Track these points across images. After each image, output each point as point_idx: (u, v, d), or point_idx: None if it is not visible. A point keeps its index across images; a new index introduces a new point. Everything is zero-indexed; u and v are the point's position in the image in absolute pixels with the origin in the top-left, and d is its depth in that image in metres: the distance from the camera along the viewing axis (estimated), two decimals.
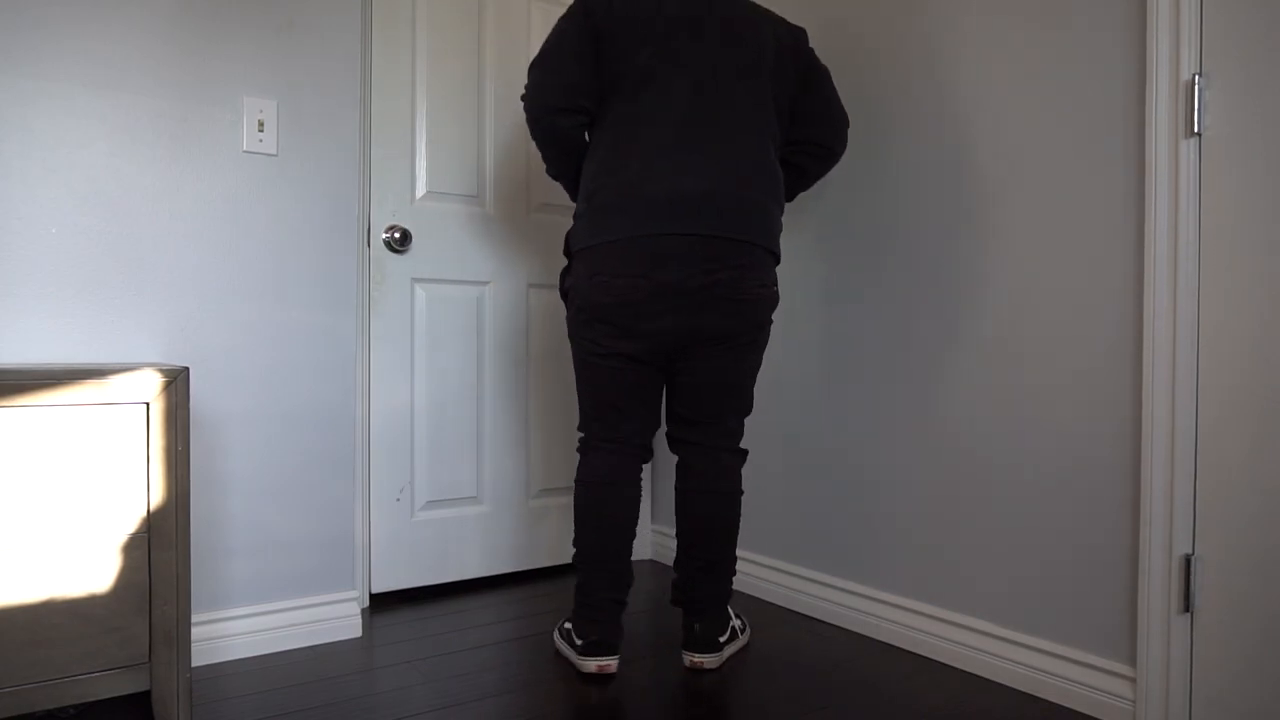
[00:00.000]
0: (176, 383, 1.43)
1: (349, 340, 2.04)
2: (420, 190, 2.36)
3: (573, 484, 2.64)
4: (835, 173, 2.15)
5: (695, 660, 1.83)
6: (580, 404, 1.87)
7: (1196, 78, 1.45)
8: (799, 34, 1.85)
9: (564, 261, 2.60)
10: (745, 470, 2.44)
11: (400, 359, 2.33)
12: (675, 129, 1.69)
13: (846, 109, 2.12)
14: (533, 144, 2.52)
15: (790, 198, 2.02)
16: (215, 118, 1.86)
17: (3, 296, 1.65)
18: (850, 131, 2.11)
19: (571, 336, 1.83)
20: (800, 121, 1.86)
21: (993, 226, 1.80)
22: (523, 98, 1.76)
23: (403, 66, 2.32)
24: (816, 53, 2.16)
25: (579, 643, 1.79)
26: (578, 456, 2.35)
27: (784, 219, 2.31)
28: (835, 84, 2.14)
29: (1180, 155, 1.47)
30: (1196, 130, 1.45)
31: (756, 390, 2.40)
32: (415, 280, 2.35)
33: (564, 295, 1.84)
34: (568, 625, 1.89)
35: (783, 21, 1.85)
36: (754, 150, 1.74)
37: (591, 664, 1.77)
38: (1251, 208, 1.41)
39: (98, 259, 1.74)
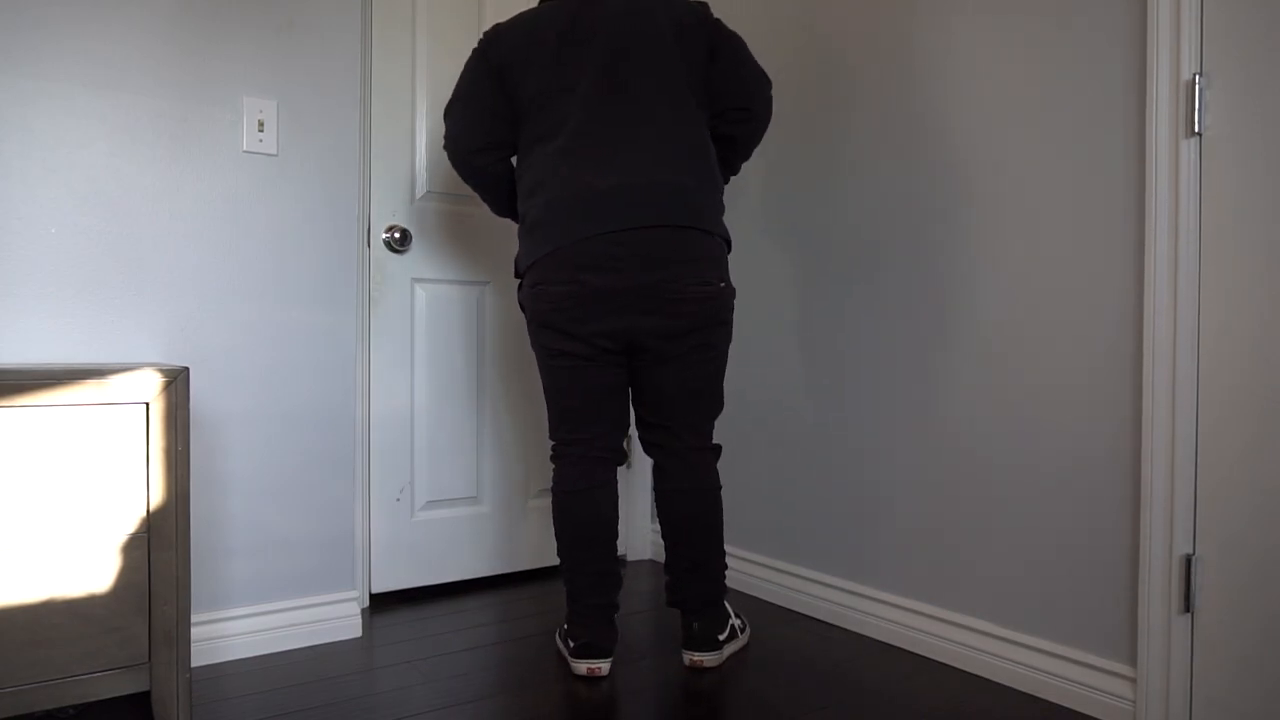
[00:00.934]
0: (176, 383, 1.43)
1: (349, 340, 2.04)
2: (420, 190, 2.36)
3: None
4: (834, 169, 2.15)
5: (695, 659, 1.83)
6: (547, 410, 1.88)
7: (1197, 78, 1.45)
8: (699, 9, 1.84)
9: None
10: (745, 469, 2.44)
11: (400, 359, 2.33)
12: (579, 135, 1.73)
13: (846, 109, 2.12)
14: None
15: (734, 170, 2.02)
16: (215, 118, 1.86)
17: (3, 296, 1.65)
18: (849, 131, 2.11)
19: (531, 345, 1.87)
20: (717, 92, 1.85)
21: (992, 225, 1.80)
22: (444, 147, 1.87)
23: (403, 66, 2.32)
24: (824, 51, 2.15)
25: (572, 645, 1.81)
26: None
27: (782, 218, 2.31)
28: (832, 84, 2.14)
29: (1180, 155, 1.47)
30: (1197, 130, 1.45)
31: (758, 389, 2.40)
32: (415, 280, 2.35)
33: (521, 307, 1.87)
34: (565, 626, 1.90)
35: (680, 2, 1.83)
36: (671, 135, 1.75)
37: (582, 666, 1.79)
38: (1251, 208, 1.41)
39: (98, 259, 1.74)
